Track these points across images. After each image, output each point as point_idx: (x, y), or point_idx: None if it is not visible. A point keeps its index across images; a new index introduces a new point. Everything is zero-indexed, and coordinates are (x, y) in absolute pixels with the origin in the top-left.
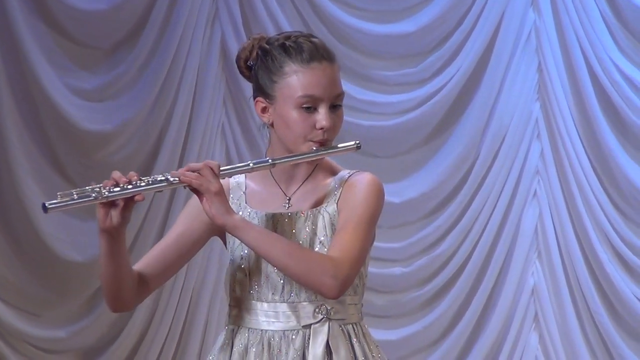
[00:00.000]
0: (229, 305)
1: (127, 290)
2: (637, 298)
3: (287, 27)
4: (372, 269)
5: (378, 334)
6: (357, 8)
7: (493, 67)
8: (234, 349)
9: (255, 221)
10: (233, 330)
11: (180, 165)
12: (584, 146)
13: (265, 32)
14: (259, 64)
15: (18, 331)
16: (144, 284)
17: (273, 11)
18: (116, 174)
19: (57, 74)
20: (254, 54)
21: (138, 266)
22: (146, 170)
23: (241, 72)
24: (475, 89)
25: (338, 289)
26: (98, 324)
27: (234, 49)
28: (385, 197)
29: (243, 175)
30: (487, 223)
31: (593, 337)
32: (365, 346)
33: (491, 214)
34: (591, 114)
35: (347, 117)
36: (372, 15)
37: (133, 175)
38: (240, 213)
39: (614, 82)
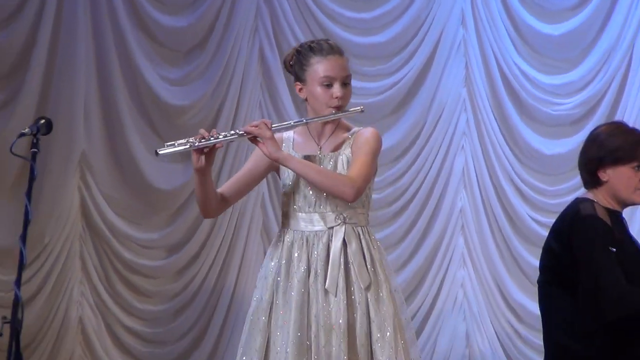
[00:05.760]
0: (282, 215)
1: (214, 205)
2: (528, 215)
3: (301, 37)
4: None
5: None
6: (348, 26)
7: (436, 65)
8: (284, 244)
9: None
10: (284, 231)
11: (232, 128)
12: (495, 117)
13: (287, 40)
14: (295, 60)
15: (126, 234)
16: (225, 201)
17: (292, 26)
18: (202, 131)
19: (152, 67)
20: (293, 56)
21: (221, 189)
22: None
23: (286, 69)
24: (424, 80)
25: (354, 195)
26: (178, 229)
27: (269, 54)
28: None
29: (292, 132)
30: (431, 165)
31: (499, 240)
32: (370, 241)
33: (434, 159)
34: (500, 96)
35: None
36: (358, 30)
37: (214, 131)
38: None
39: (515, 75)
